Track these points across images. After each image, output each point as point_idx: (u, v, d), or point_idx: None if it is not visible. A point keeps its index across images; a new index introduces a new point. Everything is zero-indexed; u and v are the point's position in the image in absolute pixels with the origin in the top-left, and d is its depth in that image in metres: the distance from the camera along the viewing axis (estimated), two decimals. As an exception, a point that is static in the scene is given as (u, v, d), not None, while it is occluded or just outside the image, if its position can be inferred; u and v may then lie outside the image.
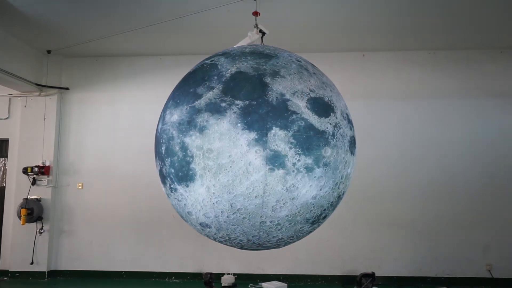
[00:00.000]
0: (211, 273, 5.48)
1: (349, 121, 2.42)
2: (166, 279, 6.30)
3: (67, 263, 6.43)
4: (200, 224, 2.22)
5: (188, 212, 2.22)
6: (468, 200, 6.14)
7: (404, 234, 6.17)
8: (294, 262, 6.20)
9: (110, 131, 6.62)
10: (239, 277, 6.03)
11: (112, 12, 5.12)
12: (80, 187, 6.54)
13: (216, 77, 2.18)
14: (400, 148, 6.28)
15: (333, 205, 2.37)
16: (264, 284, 5.78)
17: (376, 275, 5.71)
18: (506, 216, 6.09)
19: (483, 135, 6.25)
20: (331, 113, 2.22)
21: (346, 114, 2.41)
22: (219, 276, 5.87)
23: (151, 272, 6.34)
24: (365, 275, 5.64)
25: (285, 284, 5.81)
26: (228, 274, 5.97)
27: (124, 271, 6.36)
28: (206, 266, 6.24)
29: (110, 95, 6.69)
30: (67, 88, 6.67)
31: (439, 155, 6.24)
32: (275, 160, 1.98)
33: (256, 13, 4.02)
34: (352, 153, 2.38)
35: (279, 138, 1.98)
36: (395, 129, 6.33)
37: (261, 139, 1.97)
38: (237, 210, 2.06)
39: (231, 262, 6.21)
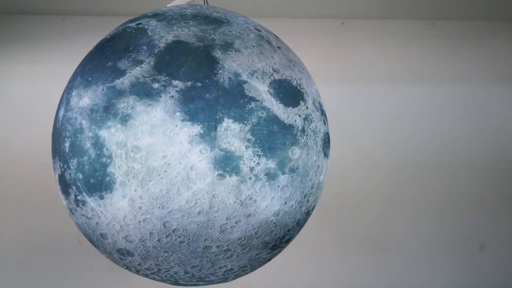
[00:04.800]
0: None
1: (323, 113, 2.45)
2: (65, 322, 6.14)
3: None
4: (119, 251, 2.16)
5: (101, 235, 2.15)
6: (474, 213, 6.34)
7: (394, 262, 6.30)
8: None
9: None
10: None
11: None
12: None
13: (145, 47, 2.11)
14: (386, 147, 6.41)
15: (299, 224, 2.38)
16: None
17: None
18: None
19: (489, 132, 6.46)
20: (301, 102, 2.23)
21: (319, 103, 2.44)
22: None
23: (45, 314, 6.14)
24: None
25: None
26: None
27: (6, 314, 6.12)
28: (121, 304, 6.13)
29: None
30: None
31: (435, 157, 6.39)
32: (226, 164, 1.97)
33: (198, -37, 4.04)
34: (326, 155, 2.42)
35: (232, 134, 1.97)
36: (380, 122, 6.44)
37: (208, 135, 1.95)
38: (173, 231, 2.02)
39: (155, 300, 6.12)
